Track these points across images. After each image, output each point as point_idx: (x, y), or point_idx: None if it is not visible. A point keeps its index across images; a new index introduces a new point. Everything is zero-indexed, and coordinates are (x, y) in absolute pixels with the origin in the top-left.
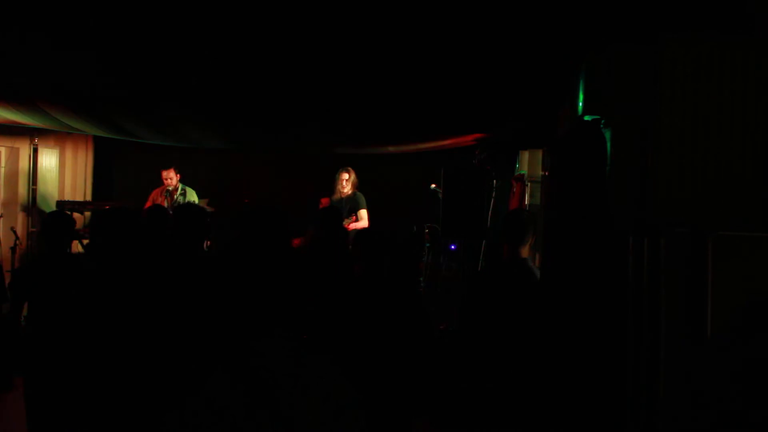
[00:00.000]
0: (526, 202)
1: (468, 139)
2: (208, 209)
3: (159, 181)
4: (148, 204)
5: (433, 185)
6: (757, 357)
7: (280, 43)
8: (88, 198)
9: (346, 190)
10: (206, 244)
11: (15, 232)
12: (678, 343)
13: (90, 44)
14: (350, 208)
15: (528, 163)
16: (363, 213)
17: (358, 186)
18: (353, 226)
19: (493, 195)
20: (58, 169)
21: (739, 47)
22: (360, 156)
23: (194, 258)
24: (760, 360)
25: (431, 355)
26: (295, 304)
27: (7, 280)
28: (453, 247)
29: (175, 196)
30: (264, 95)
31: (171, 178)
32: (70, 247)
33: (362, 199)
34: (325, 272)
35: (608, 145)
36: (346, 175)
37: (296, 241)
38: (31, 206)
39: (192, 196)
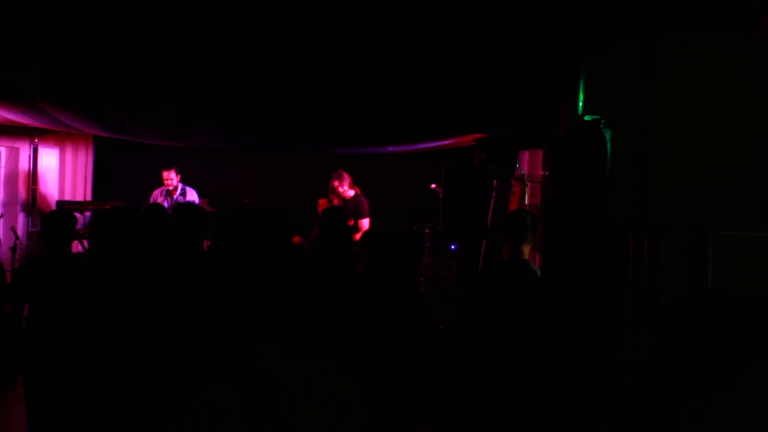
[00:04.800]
0: (526, 202)
1: (468, 139)
2: (208, 209)
3: (159, 181)
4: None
5: (433, 185)
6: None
7: (281, 42)
8: (88, 198)
9: (347, 195)
10: (206, 244)
11: (15, 232)
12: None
13: (90, 43)
14: (353, 213)
15: (528, 163)
16: (364, 223)
17: (358, 187)
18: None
19: (493, 195)
20: (58, 169)
21: (740, 47)
22: (360, 156)
23: (194, 258)
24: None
25: (432, 355)
26: (296, 305)
27: (8, 280)
28: (453, 247)
29: (175, 196)
30: (264, 95)
31: (172, 178)
32: (71, 247)
33: (365, 207)
34: (327, 272)
35: (608, 145)
36: (336, 182)
37: (296, 239)
38: (31, 206)
39: (192, 197)
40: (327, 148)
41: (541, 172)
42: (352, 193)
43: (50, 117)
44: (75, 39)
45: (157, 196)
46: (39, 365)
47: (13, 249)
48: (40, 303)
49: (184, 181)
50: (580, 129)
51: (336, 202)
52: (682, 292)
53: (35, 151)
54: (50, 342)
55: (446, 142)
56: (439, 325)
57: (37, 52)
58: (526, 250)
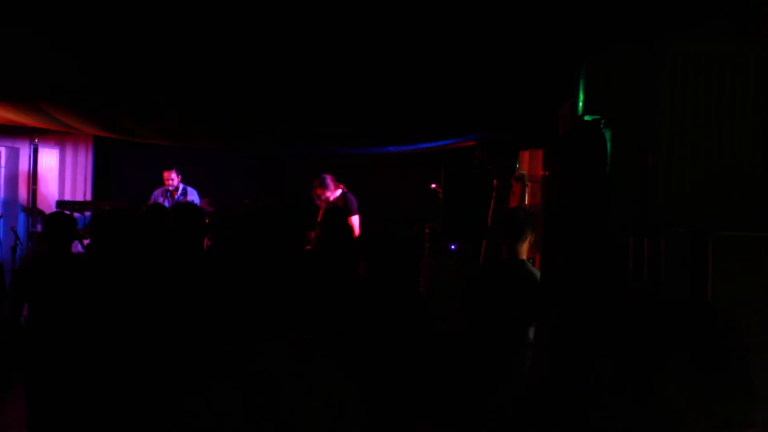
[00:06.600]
0: (526, 202)
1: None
2: (208, 209)
3: (159, 181)
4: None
5: (433, 185)
6: None
7: (283, 43)
8: (88, 198)
9: (332, 197)
10: (206, 243)
11: (15, 232)
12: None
13: (88, 43)
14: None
15: (528, 163)
16: (354, 220)
17: (344, 186)
18: None
19: (493, 195)
20: (58, 169)
21: (740, 47)
22: (360, 156)
23: (194, 258)
24: None
25: (432, 355)
26: (296, 305)
27: (8, 280)
28: (453, 247)
29: (176, 196)
30: (264, 95)
31: (173, 179)
32: (71, 248)
33: (353, 204)
34: (328, 272)
35: (608, 145)
36: (319, 190)
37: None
38: (31, 206)
39: (193, 197)
40: (327, 149)
41: (541, 172)
42: (339, 192)
43: (50, 117)
44: (74, 38)
45: (158, 196)
46: (39, 365)
47: (14, 249)
48: (40, 303)
49: (184, 181)
50: (580, 129)
51: (322, 205)
52: (682, 293)
53: (35, 151)
54: (50, 342)
55: (446, 142)
56: (439, 325)
57: (39, 51)
58: (524, 249)
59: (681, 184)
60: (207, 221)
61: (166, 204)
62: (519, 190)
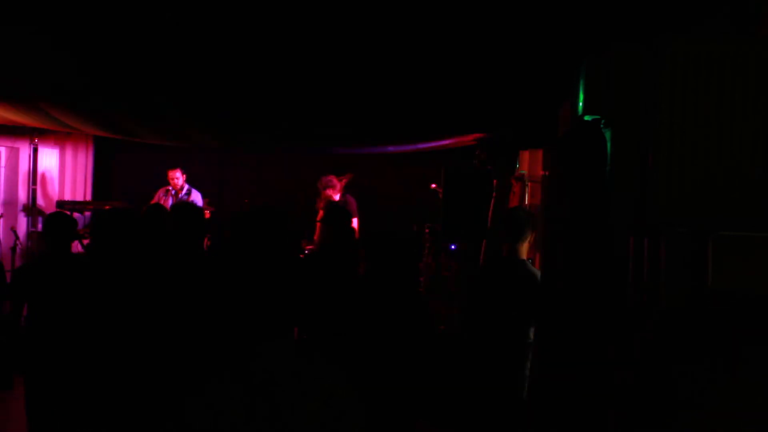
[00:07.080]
0: (526, 202)
1: (468, 139)
2: (209, 209)
3: (159, 181)
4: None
5: (433, 185)
6: None
7: (281, 43)
8: (88, 198)
9: (336, 198)
10: (206, 243)
11: (15, 232)
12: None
13: (88, 43)
14: None
15: (528, 163)
16: (353, 222)
17: (354, 188)
18: None
19: (493, 195)
20: (58, 169)
21: (740, 47)
22: (360, 156)
23: (194, 258)
24: None
25: (432, 355)
26: (297, 304)
27: (8, 280)
28: (453, 247)
29: (181, 196)
30: (265, 95)
31: (177, 177)
32: (71, 248)
33: (353, 206)
34: (328, 272)
35: (608, 145)
36: (330, 191)
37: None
38: (31, 206)
39: (196, 199)
40: (328, 148)
41: (541, 172)
42: (338, 195)
43: (50, 117)
44: (74, 38)
45: (161, 196)
46: (39, 365)
47: (13, 249)
48: (40, 303)
49: (186, 181)
50: (580, 129)
51: (321, 205)
52: (682, 292)
53: (35, 151)
54: (50, 342)
55: (446, 142)
56: (439, 325)
57: (39, 51)
58: (524, 249)
59: (681, 184)
60: (208, 216)
61: (170, 203)
62: (519, 190)
